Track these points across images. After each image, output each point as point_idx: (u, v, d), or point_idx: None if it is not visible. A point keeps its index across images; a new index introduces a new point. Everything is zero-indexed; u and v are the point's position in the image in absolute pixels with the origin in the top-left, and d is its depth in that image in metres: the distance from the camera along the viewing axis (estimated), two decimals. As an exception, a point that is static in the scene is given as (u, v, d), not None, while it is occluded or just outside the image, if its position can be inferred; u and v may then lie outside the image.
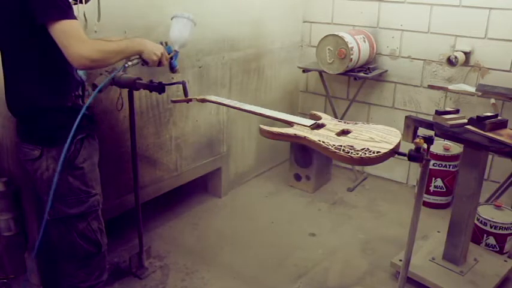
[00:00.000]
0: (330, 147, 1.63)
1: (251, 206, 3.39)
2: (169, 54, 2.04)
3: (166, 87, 2.07)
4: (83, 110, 1.66)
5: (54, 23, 1.54)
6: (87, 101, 1.72)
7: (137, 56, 1.86)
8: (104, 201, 2.16)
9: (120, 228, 2.83)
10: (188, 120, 2.99)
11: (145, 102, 2.64)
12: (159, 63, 1.92)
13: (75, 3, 1.80)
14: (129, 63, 1.85)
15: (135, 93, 2.33)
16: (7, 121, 2.05)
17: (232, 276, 2.61)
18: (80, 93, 1.80)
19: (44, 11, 1.53)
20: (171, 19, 2.13)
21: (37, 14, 1.53)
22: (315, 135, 1.74)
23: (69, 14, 1.57)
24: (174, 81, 2.22)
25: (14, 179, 2.33)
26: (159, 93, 2.10)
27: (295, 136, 1.76)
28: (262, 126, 1.82)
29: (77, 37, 1.56)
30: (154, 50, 1.88)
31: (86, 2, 1.86)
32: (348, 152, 1.59)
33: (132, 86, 2.09)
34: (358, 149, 1.61)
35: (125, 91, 2.27)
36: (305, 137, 1.73)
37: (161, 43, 2.04)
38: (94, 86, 1.95)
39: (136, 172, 2.42)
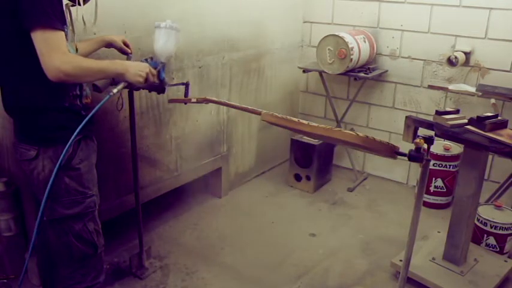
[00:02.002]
0: (334, 127, 1.63)
1: (251, 206, 3.39)
2: (156, 68, 1.97)
3: (166, 88, 2.07)
4: (84, 122, 1.65)
5: (37, 30, 1.52)
6: (87, 117, 1.68)
7: (123, 83, 1.81)
8: (104, 202, 2.16)
9: (121, 229, 2.83)
10: (188, 120, 2.99)
11: (145, 103, 2.65)
12: (146, 81, 1.84)
13: (73, 5, 1.80)
14: (114, 90, 1.79)
15: (135, 93, 2.34)
16: (7, 122, 2.05)
17: (233, 276, 2.61)
18: (78, 93, 1.79)
19: (30, 16, 1.52)
20: (155, 28, 2.06)
21: (24, 18, 1.52)
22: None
23: (55, 24, 1.54)
24: (175, 81, 2.20)
25: (14, 179, 2.33)
26: (158, 93, 2.09)
27: (298, 122, 1.75)
28: (264, 111, 1.81)
29: (56, 48, 1.54)
30: (137, 71, 1.79)
31: (84, 3, 1.84)
32: (353, 130, 1.60)
33: (133, 86, 2.08)
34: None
35: (125, 91, 2.27)
36: (308, 123, 1.73)
37: (146, 60, 2.01)
38: (94, 87, 1.94)
39: (137, 172, 2.42)
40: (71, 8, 1.80)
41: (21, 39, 1.56)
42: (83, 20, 1.94)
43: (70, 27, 1.75)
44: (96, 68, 1.69)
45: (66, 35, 1.67)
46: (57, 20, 1.55)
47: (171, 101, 2.35)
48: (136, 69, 1.80)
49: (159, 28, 2.03)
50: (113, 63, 1.81)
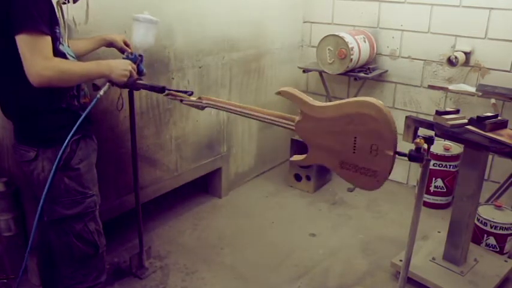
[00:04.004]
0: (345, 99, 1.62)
1: (251, 206, 3.39)
2: (135, 62, 1.99)
3: (166, 88, 2.06)
4: (78, 123, 1.66)
5: (22, 34, 1.51)
6: (77, 122, 1.69)
7: (107, 84, 1.83)
8: (104, 202, 2.15)
9: (121, 229, 2.83)
10: (188, 120, 2.99)
11: (145, 103, 2.65)
12: (129, 77, 1.87)
13: (64, 3, 1.79)
14: (101, 93, 1.80)
15: (136, 93, 2.34)
16: (7, 122, 2.05)
17: (233, 276, 2.61)
18: (75, 93, 1.78)
19: (17, 20, 1.51)
20: (133, 20, 2.06)
21: (11, 21, 1.51)
22: None
23: (42, 28, 1.53)
24: (175, 81, 2.18)
25: (14, 179, 2.33)
26: (157, 92, 2.09)
27: (312, 101, 1.75)
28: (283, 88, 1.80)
29: (41, 53, 1.53)
30: (122, 71, 1.82)
31: (74, 2, 1.83)
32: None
33: (133, 86, 2.08)
34: None
35: (125, 91, 2.27)
36: (321, 104, 1.75)
37: (127, 57, 2.02)
38: (94, 86, 1.94)
39: (137, 172, 2.42)
40: (63, 5, 1.78)
41: (15, 41, 1.55)
42: (74, 21, 1.94)
43: (62, 25, 1.75)
44: (80, 72, 1.69)
45: (58, 35, 1.67)
46: (43, 24, 1.54)
47: (168, 95, 2.29)
48: (121, 68, 1.82)
49: (138, 21, 2.04)
50: (98, 64, 1.80)
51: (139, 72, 2.06)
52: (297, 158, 1.84)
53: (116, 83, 1.86)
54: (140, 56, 2.06)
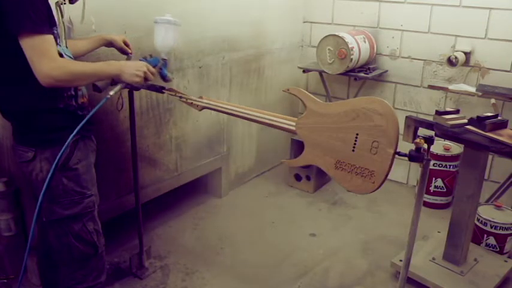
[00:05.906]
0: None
1: (251, 206, 3.39)
2: (156, 66, 1.95)
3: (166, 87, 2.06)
4: (82, 124, 1.65)
5: (25, 36, 1.50)
6: (83, 120, 1.67)
7: (119, 85, 1.80)
8: (104, 202, 2.15)
9: (121, 229, 2.83)
10: (188, 120, 2.99)
11: (145, 103, 2.65)
12: (145, 80, 1.82)
13: (63, 3, 1.78)
14: (111, 93, 1.76)
15: (136, 93, 2.34)
16: (7, 122, 2.05)
17: (233, 276, 2.61)
18: (73, 93, 1.77)
19: (15, 22, 1.50)
20: (154, 23, 2.03)
21: (9, 23, 1.51)
22: None
23: (42, 28, 1.53)
24: (175, 81, 2.15)
25: (14, 179, 2.33)
26: (157, 92, 2.09)
27: (317, 100, 1.76)
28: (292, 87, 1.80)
29: (46, 54, 1.53)
30: (134, 71, 1.76)
31: (71, 2, 1.83)
32: None
33: (132, 86, 2.08)
34: None
35: (125, 91, 2.27)
36: (326, 103, 1.76)
37: (144, 58, 1.99)
38: (94, 87, 1.94)
39: (137, 172, 2.42)
40: (61, 6, 1.77)
41: (12, 42, 1.54)
42: (71, 21, 1.93)
43: (61, 25, 1.74)
44: (88, 72, 1.68)
45: (55, 35, 1.67)
46: (42, 24, 1.53)
47: (169, 89, 2.28)
48: (133, 69, 1.77)
49: (158, 23, 2.00)
50: (108, 64, 1.79)
51: (163, 78, 2.01)
52: (288, 160, 1.83)
53: (129, 85, 1.83)
54: (163, 60, 1.99)
